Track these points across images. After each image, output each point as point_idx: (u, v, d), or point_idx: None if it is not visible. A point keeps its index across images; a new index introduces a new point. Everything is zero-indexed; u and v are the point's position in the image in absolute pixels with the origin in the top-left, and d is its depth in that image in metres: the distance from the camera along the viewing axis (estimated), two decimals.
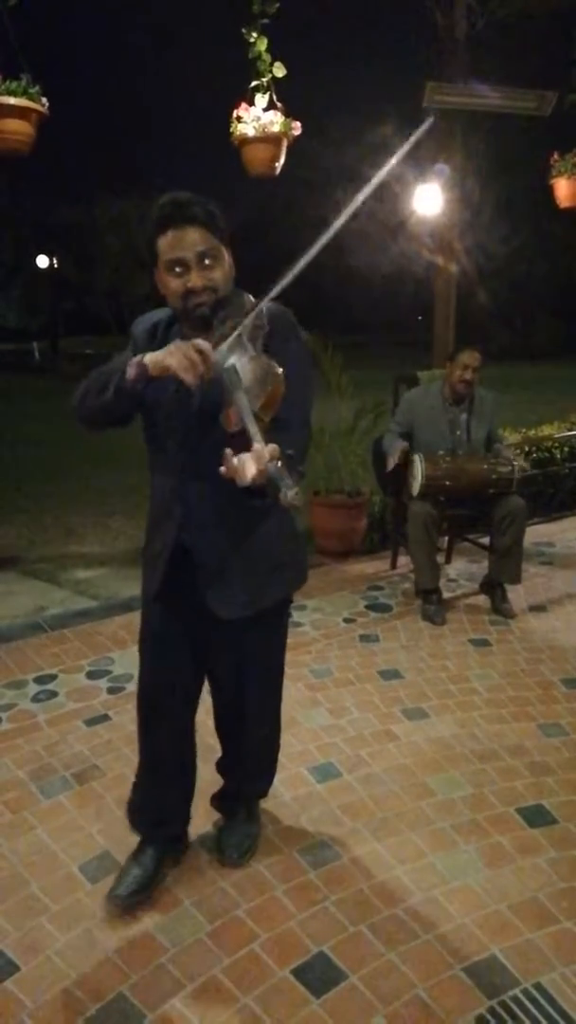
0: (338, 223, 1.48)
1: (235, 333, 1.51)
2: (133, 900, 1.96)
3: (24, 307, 33.89)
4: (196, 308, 1.63)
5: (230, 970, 1.80)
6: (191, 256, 1.62)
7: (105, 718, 2.86)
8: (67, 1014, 1.69)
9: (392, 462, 3.88)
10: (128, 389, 1.60)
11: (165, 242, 1.63)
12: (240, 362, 1.49)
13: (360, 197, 1.49)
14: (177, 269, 1.63)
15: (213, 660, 1.99)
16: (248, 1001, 1.73)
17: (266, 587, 1.86)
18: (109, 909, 1.96)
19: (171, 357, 1.52)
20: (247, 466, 1.34)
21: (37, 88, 3.57)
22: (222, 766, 2.22)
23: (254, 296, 1.60)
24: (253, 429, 1.37)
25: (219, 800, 2.26)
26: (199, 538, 1.79)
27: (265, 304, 1.54)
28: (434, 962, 1.83)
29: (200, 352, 1.50)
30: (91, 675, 3.20)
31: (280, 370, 1.46)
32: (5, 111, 3.50)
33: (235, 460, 1.35)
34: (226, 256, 1.68)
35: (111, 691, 3.06)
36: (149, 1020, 1.68)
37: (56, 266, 30.02)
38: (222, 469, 1.36)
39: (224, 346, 1.50)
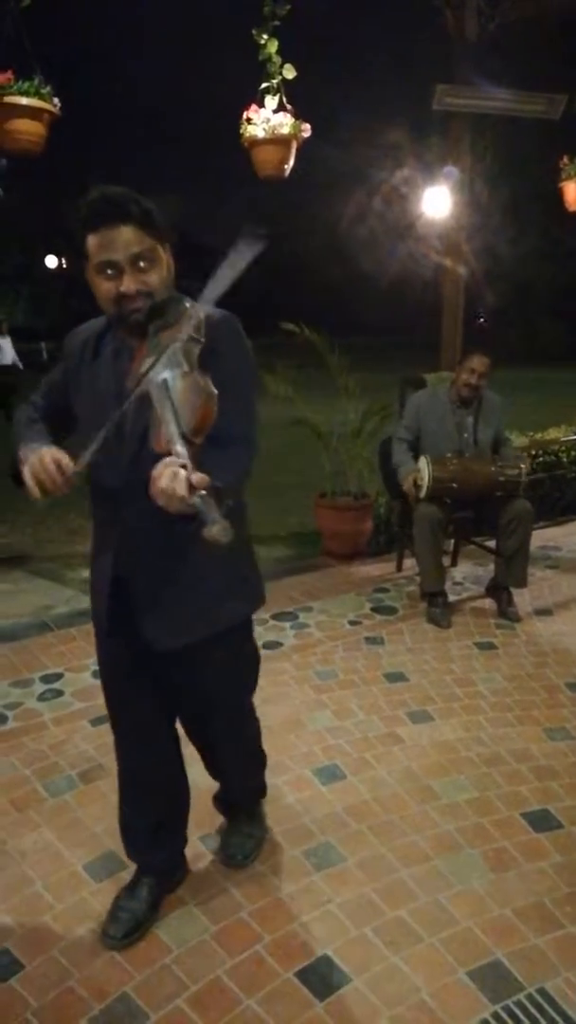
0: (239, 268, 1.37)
1: (168, 349, 1.38)
2: (128, 941, 1.86)
3: (33, 307, 33.96)
4: (130, 315, 1.51)
5: (234, 972, 1.80)
6: (123, 258, 1.49)
7: None
8: (71, 1013, 1.69)
9: (406, 486, 3.85)
10: (20, 475, 1.55)
11: (95, 242, 1.50)
12: (171, 377, 1.37)
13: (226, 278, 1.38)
14: (109, 271, 1.50)
15: (169, 687, 1.86)
16: (251, 1003, 1.72)
17: (206, 617, 1.73)
18: (106, 904, 1.95)
19: (28, 469, 1.49)
20: (163, 482, 1.25)
21: (49, 88, 3.58)
22: (212, 775, 2.15)
23: (194, 299, 1.45)
24: (181, 452, 1.28)
25: (218, 802, 2.23)
26: (134, 566, 1.68)
27: (202, 313, 1.42)
28: (439, 966, 1.82)
29: (57, 465, 1.46)
30: (97, 674, 3.20)
31: (214, 390, 1.35)
32: (17, 111, 3.52)
33: (161, 482, 1.26)
34: (164, 257, 1.55)
35: None
36: (153, 1020, 1.68)
37: (64, 266, 30.08)
38: (151, 491, 1.28)
39: (156, 360, 1.38)
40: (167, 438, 1.32)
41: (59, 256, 29.68)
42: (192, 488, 1.24)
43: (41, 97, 3.59)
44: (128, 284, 1.49)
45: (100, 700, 2.95)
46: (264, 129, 4.08)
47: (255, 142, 4.13)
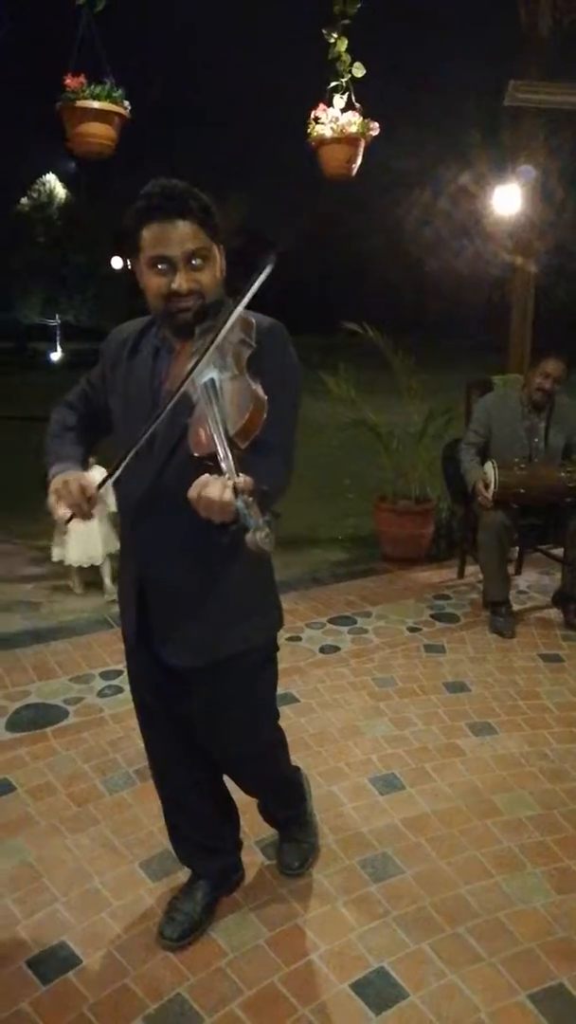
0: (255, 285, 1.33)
1: (212, 346, 1.34)
2: (183, 943, 1.85)
3: (97, 307, 34.70)
4: (179, 313, 1.47)
5: (288, 979, 1.78)
6: (178, 254, 1.43)
7: None
8: (127, 1010, 1.70)
9: (478, 498, 3.74)
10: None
11: (150, 235, 1.45)
12: (219, 379, 1.33)
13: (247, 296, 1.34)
14: (160, 266, 1.45)
15: (188, 706, 1.76)
16: (306, 1012, 1.70)
17: (228, 635, 1.64)
18: (163, 904, 1.95)
19: (56, 495, 1.48)
20: (213, 494, 1.21)
21: (120, 92, 3.63)
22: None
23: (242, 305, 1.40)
24: (225, 456, 1.23)
25: (264, 814, 2.13)
26: (156, 576, 1.62)
27: (253, 318, 1.40)
28: (499, 987, 1.77)
29: (82, 491, 1.45)
30: None
31: (264, 395, 1.31)
32: (89, 115, 3.58)
33: (202, 487, 1.22)
34: (217, 257, 1.50)
35: None
36: (208, 1023, 1.67)
37: (130, 267, 30.62)
38: (190, 493, 1.24)
39: (201, 359, 1.34)
40: (209, 439, 1.28)
41: (124, 257, 30.25)
42: (236, 492, 1.20)
43: (113, 100, 3.64)
44: (180, 282, 1.45)
45: None
46: (332, 128, 4.05)
47: (323, 141, 4.10)
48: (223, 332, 1.35)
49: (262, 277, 1.32)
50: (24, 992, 1.74)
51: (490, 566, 3.72)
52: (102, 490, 1.49)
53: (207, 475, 1.25)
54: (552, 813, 2.36)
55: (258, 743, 1.87)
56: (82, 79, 3.61)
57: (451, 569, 4.51)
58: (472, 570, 4.31)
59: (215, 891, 1.97)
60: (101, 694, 3.04)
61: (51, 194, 35.66)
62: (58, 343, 36.37)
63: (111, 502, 1.80)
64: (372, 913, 1.97)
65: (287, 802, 2.11)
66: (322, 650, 3.46)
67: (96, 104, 3.59)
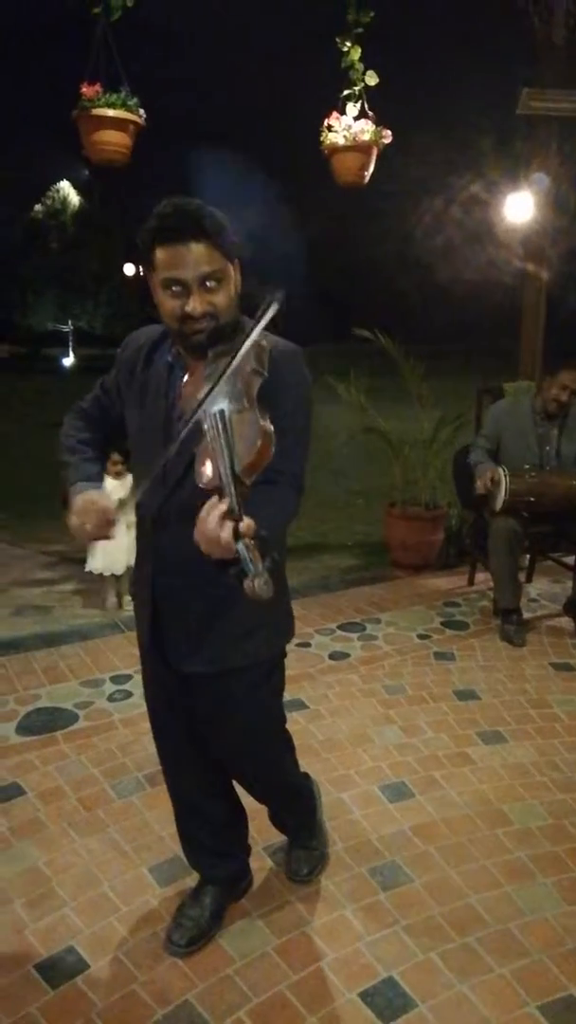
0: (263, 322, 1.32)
1: (223, 377, 1.32)
2: (191, 949, 1.84)
3: (111, 314, 34.92)
4: (193, 335, 1.45)
5: (297, 987, 1.77)
6: (192, 277, 1.41)
7: None
8: (135, 1016, 1.69)
9: (480, 485, 3.73)
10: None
11: (164, 256, 1.42)
12: (229, 411, 1.30)
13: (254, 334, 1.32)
14: (175, 288, 1.43)
15: (197, 713, 1.78)
16: (314, 1020, 1.70)
17: (239, 645, 1.66)
18: (171, 910, 1.95)
19: (74, 515, 1.53)
20: (214, 534, 1.20)
21: (135, 100, 3.66)
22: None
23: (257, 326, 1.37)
24: (231, 493, 1.22)
25: (274, 821, 2.12)
26: (171, 590, 1.64)
27: (266, 343, 1.38)
28: (508, 998, 1.76)
29: (103, 511, 1.51)
30: None
31: (271, 428, 1.29)
32: (105, 123, 3.61)
33: (205, 526, 1.21)
34: (232, 276, 1.48)
35: None
36: None
37: (142, 274, 30.82)
38: (199, 529, 1.23)
39: (214, 388, 1.33)
40: (216, 473, 1.27)
41: (137, 264, 30.45)
42: (237, 535, 1.20)
43: (128, 108, 3.67)
44: (194, 304, 1.42)
45: None
46: (345, 136, 4.08)
47: (335, 149, 4.13)
48: (236, 363, 1.33)
49: (270, 313, 1.32)
50: (32, 996, 1.74)
51: (501, 573, 3.71)
52: (124, 504, 1.52)
53: (211, 504, 1.24)
54: (563, 823, 2.34)
55: (264, 748, 1.87)
56: (98, 87, 3.64)
57: (461, 576, 4.49)
58: (482, 577, 4.30)
59: (223, 897, 1.96)
60: (111, 698, 3.05)
61: (65, 201, 35.94)
62: (71, 349, 36.63)
63: (131, 517, 1.82)
64: (381, 921, 1.96)
65: (296, 810, 2.10)
66: (331, 656, 3.45)
67: (111, 112, 3.63)
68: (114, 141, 3.69)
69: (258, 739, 1.84)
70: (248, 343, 1.33)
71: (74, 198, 36.02)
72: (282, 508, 1.46)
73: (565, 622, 3.87)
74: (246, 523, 1.20)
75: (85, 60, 3.69)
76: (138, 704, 3.00)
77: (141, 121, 3.74)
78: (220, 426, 1.29)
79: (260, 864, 2.13)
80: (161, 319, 1.53)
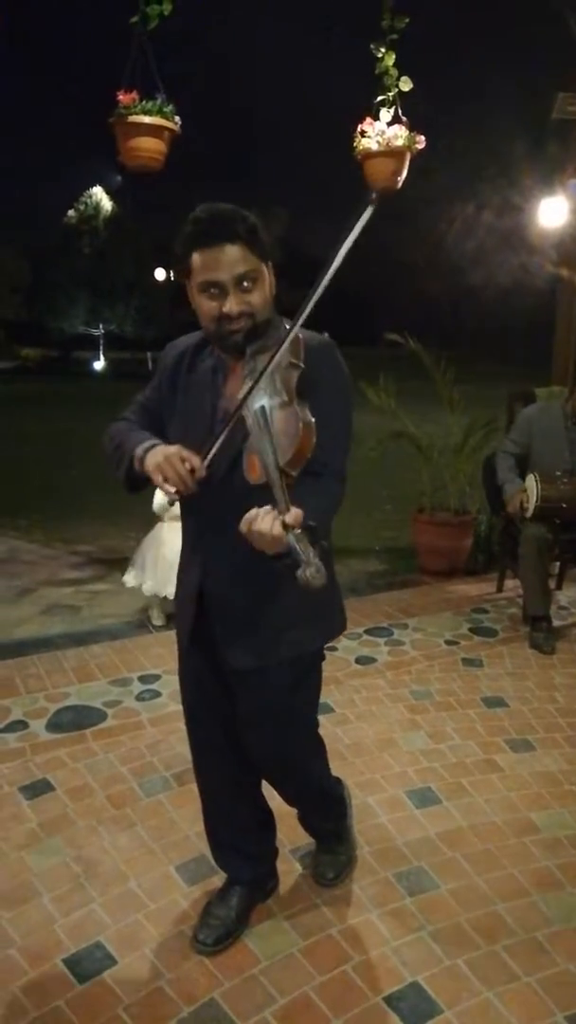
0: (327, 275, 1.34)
1: (263, 375, 1.36)
2: (218, 948, 1.85)
3: (140, 318, 35.23)
4: (230, 335, 1.50)
5: (322, 989, 1.78)
6: (228, 278, 1.46)
7: None
8: (161, 1013, 1.71)
9: (512, 511, 3.72)
10: (136, 478, 1.58)
11: (200, 260, 1.47)
12: (270, 406, 1.35)
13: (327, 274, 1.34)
14: (212, 291, 1.48)
15: (237, 708, 1.80)
16: (339, 1023, 1.70)
17: (284, 639, 1.69)
18: (198, 908, 1.96)
19: (158, 472, 1.48)
20: (264, 528, 1.23)
21: (171, 107, 3.70)
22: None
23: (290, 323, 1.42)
24: (277, 486, 1.25)
25: (303, 824, 2.12)
26: (219, 585, 1.67)
27: (300, 335, 1.41)
28: (535, 1007, 1.74)
29: (188, 462, 1.45)
30: None
31: (312, 420, 1.32)
32: (142, 130, 3.66)
33: (252, 521, 1.25)
34: (267, 276, 1.53)
35: None
36: None
37: (172, 278, 31.09)
38: (241, 527, 1.27)
39: (254, 387, 1.37)
40: (262, 468, 1.30)
41: (167, 269, 30.71)
42: (286, 527, 1.22)
43: (163, 115, 3.72)
44: (231, 305, 1.47)
45: None
46: (378, 142, 4.08)
47: (368, 155, 4.13)
48: (276, 359, 1.36)
49: (307, 310, 1.35)
50: (60, 990, 1.76)
51: (531, 580, 3.68)
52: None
53: (255, 509, 1.27)
54: None
55: (299, 747, 1.90)
56: (134, 95, 3.69)
57: (490, 583, 4.46)
58: (511, 584, 4.27)
59: (250, 898, 1.97)
60: (139, 698, 3.08)
61: (97, 206, 36.35)
62: (101, 352, 37.00)
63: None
64: (407, 926, 1.96)
65: (327, 815, 2.09)
66: (358, 661, 3.45)
67: (147, 119, 3.67)
68: (149, 148, 3.73)
69: (294, 737, 1.86)
70: (287, 341, 1.36)
71: (106, 204, 36.40)
72: (327, 499, 1.49)
73: None
74: (293, 514, 1.23)
75: (121, 68, 3.75)
76: (166, 704, 3.03)
77: (176, 128, 3.78)
78: (262, 422, 1.33)
79: (287, 867, 2.14)
80: (199, 323, 1.57)
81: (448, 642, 3.69)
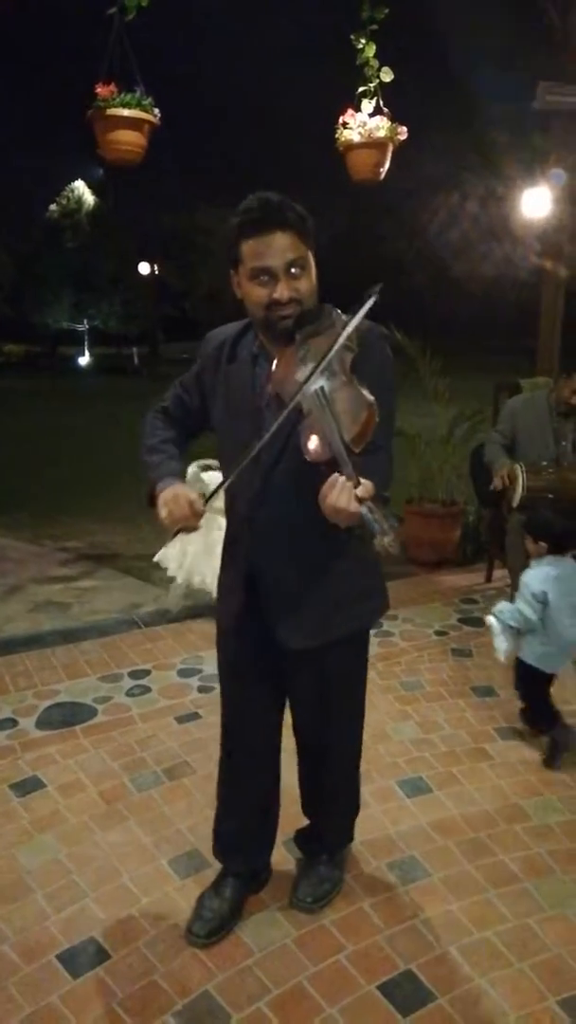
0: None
1: (326, 359, 1.41)
2: (212, 940, 1.86)
3: (125, 313, 35.02)
4: (280, 321, 1.53)
5: (316, 979, 1.78)
6: (279, 265, 1.50)
7: (195, 716, 2.90)
8: (155, 1006, 1.71)
9: (498, 481, 3.73)
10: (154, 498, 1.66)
11: (251, 248, 1.52)
12: (329, 387, 1.39)
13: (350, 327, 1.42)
14: (263, 277, 1.52)
15: (291, 690, 1.89)
16: (334, 1012, 1.70)
17: (339, 617, 1.74)
18: (190, 902, 1.97)
19: (164, 507, 1.58)
20: (341, 503, 1.28)
21: (150, 100, 3.67)
22: (305, 809, 2.10)
23: (340, 310, 1.50)
24: (345, 463, 1.29)
25: (302, 838, 2.13)
26: (270, 567, 1.71)
27: (353, 322, 1.45)
28: (528, 992, 1.76)
29: (190, 506, 1.55)
30: (182, 673, 3.26)
31: (372, 398, 1.37)
32: (121, 123, 3.62)
33: (330, 499, 1.30)
34: (313, 265, 1.57)
35: (201, 690, 3.11)
36: (235, 1021, 1.68)
37: (157, 273, 30.92)
38: (325, 501, 1.31)
39: (315, 369, 1.41)
40: (325, 446, 1.34)
41: (151, 263, 30.53)
42: (359, 500, 1.27)
43: (142, 108, 3.68)
44: (281, 291, 1.51)
45: (186, 699, 3.03)
46: (360, 133, 4.07)
47: (351, 146, 4.12)
48: (338, 344, 1.40)
49: (370, 303, 1.42)
50: (54, 985, 1.76)
51: (518, 570, 3.68)
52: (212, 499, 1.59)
53: (334, 478, 1.32)
54: None
55: (350, 724, 1.96)
56: (112, 87, 3.65)
57: (478, 573, 4.48)
58: (500, 574, 4.29)
59: (243, 889, 1.98)
60: (129, 693, 3.07)
61: (80, 201, 36.08)
62: (86, 348, 36.80)
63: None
64: (399, 915, 1.97)
65: (348, 807, 2.08)
66: None
67: (126, 112, 3.64)
68: (129, 141, 3.70)
69: (349, 716, 1.93)
70: (349, 328, 1.41)
71: (89, 198, 36.12)
72: (383, 475, 1.54)
73: None
74: (365, 486, 1.28)
75: (100, 59, 3.71)
76: (156, 699, 3.03)
77: (156, 121, 3.75)
78: (323, 401, 1.38)
79: (279, 857, 2.14)
80: (247, 311, 1.62)
81: (438, 633, 3.70)
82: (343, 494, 1.29)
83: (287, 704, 1.93)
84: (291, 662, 1.80)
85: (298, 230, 1.51)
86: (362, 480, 1.30)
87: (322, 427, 1.36)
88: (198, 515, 1.58)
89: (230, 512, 1.79)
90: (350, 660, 1.86)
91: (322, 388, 1.39)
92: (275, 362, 1.57)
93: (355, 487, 1.29)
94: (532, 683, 2.70)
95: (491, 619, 2.71)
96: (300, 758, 2.03)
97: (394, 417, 1.69)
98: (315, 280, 1.58)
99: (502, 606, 2.71)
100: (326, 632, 1.74)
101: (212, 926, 1.88)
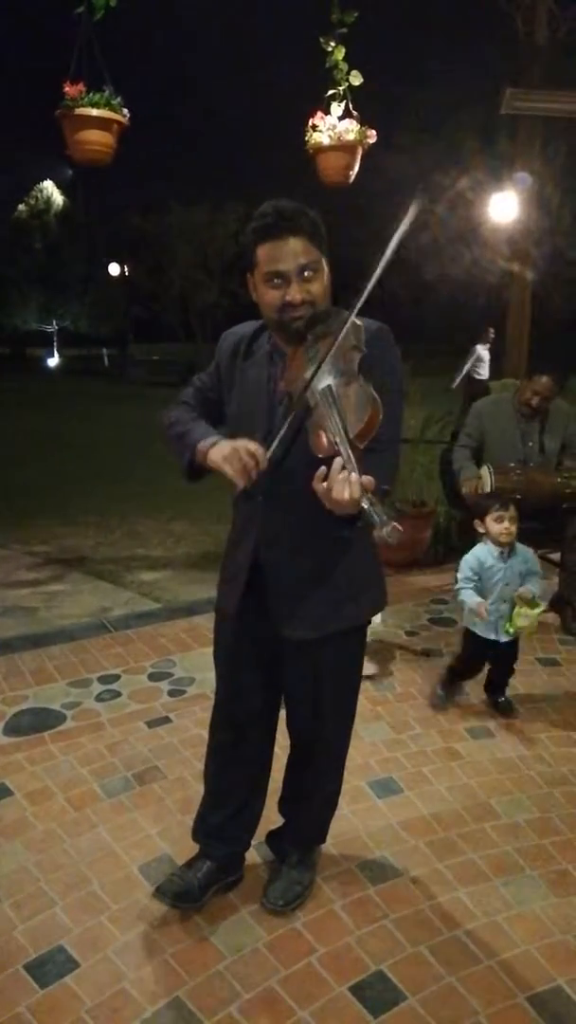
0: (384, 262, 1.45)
1: (329, 355, 1.46)
2: (178, 904, 1.92)
3: (95, 314, 34.70)
4: (292, 322, 1.60)
5: (287, 982, 1.78)
6: (292, 268, 1.58)
7: (166, 720, 2.88)
8: (125, 1014, 1.69)
9: (466, 491, 3.78)
10: (196, 469, 1.69)
11: (265, 252, 1.59)
12: (336, 384, 1.45)
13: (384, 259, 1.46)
14: (276, 281, 1.60)
15: (287, 680, 1.91)
16: (305, 1015, 1.70)
17: (340, 610, 1.79)
18: (161, 907, 1.96)
19: (227, 463, 1.58)
20: (343, 494, 1.33)
21: (119, 99, 3.64)
22: (283, 805, 2.12)
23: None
24: (348, 458, 1.34)
25: (275, 840, 2.14)
26: (276, 558, 1.76)
27: (360, 321, 1.50)
28: (496, 989, 1.77)
29: (253, 456, 1.55)
30: (153, 677, 3.24)
31: (377, 396, 1.41)
32: (89, 122, 3.59)
33: (331, 483, 1.34)
34: (325, 269, 1.64)
35: (172, 694, 3.09)
36: None
37: (127, 274, 30.70)
38: (320, 486, 1.36)
39: (319, 366, 1.47)
40: (331, 442, 1.38)
41: (122, 264, 30.30)
42: (362, 491, 1.31)
43: (111, 108, 3.65)
44: (294, 294, 1.58)
45: (156, 702, 3.01)
46: (329, 136, 4.08)
47: (320, 149, 4.13)
48: (339, 341, 1.45)
49: (364, 297, 1.45)
50: (22, 996, 1.73)
51: None
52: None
53: (337, 470, 1.35)
54: (550, 816, 2.36)
55: (343, 724, 1.98)
56: (81, 87, 3.62)
57: (449, 573, 4.50)
58: None
59: (215, 874, 2.00)
60: (99, 698, 3.04)
61: (48, 201, 35.70)
62: (55, 349, 36.40)
63: None
64: (370, 916, 1.97)
65: (326, 805, 2.08)
66: None
67: (95, 112, 3.60)
68: (97, 141, 3.66)
69: (343, 710, 1.95)
70: (347, 325, 1.47)
71: (58, 198, 35.74)
72: (388, 469, 1.59)
73: (551, 618, 3.89)
74: (366, 479, 1.32)
75: (68, 59, 3.67)
76: (126, 703, 3.00)
77: (125, 121, 3.72)
78: (331, 399, 1.42)
79: (250, 860, 2.13)
80: (261, 312, 1.68)
81: (408, 633, 3.72)
82: (345, 486, 1.33)
83: (282, 703, 1.97)
84: (289, 653, 1.84)
85: (311, 235, 1.59)
86: (364, 475, 1.34)
87: (329, 423, 1.41)
88: (259, 465, 1.57)
89: (238, 505, 1.83)
90: (345, 658, 1.89)
91: (330, 386, 1.44)
92: (288, 361, 1.62)
93: (358, 480, 1.33)
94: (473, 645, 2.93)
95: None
96: (289, 755, 2.05)
97: (401, 418, 1.72)
98: (328, 283, 1.64)
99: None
100: (325, 625, 1.77)
101: (179, 890, 1.92)
